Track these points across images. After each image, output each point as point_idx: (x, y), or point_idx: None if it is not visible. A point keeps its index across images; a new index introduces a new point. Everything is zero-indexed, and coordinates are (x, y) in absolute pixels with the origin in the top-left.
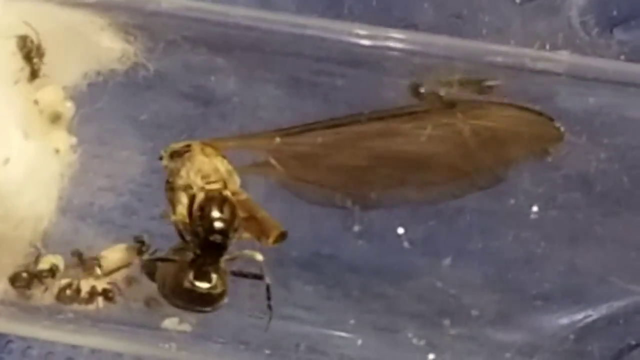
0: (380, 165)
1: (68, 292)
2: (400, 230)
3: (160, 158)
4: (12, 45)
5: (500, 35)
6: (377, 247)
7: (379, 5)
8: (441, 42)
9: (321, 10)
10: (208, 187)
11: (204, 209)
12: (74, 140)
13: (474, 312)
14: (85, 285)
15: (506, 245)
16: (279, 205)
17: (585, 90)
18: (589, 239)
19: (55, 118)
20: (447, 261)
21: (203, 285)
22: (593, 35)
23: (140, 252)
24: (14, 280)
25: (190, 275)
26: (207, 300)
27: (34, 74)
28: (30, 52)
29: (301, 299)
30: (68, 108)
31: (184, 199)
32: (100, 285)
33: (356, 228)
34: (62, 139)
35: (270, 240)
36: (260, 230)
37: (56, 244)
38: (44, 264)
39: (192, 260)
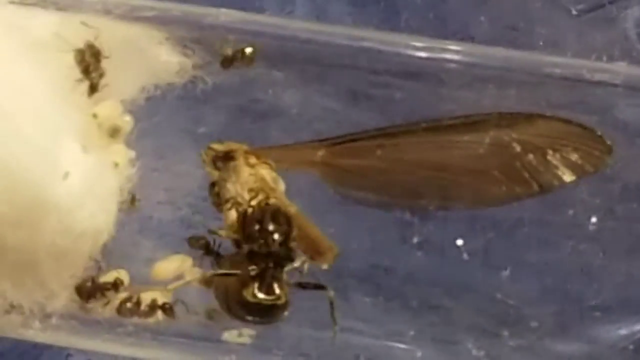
0: (428, 175)
1: (128, 305)
2: (460, 242)
3: (202, 161)
4: (70, 59)
5: (556, 47)
6: (436, 259)
7: (436, 18)
8: (499, 54)
9: (377, 22)
10: (256, 201)
11: (261, 222)
12: (132, 154)
13: (533, 323)
14: (146, 299)
15: (564, 256)
16: (336, 216)
17: None
18: None
19: (114, 132)
20: (505, 272)
21: (267, 297)
22: None
23: (207, 251)
24: (79, 289)
25: (254, 288)
26: (271, 313)
27: (93, 88)
28: (89, 67)
29: (360, 311)
30: (127, 122)
31: (232, 214)
32: (161, 298)
33: (415, 239)
34: (121, 153)
35: (325, 261)
36: (312, 248)
37: (116, 257)
38: (108, 277)
39: (255, 273)
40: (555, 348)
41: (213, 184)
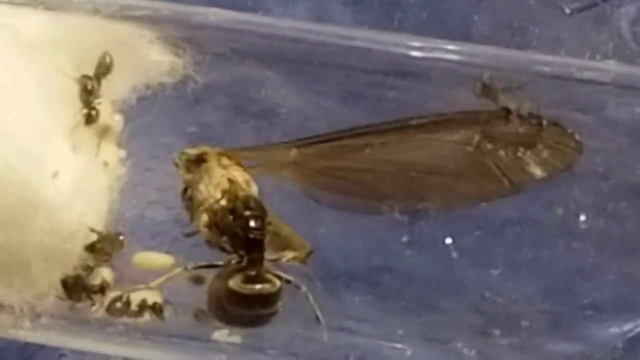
0: (398, 175)
1: (118, 305)
2: (449, 241)
3: (175, 165)
4: (60, 60)
5: (551, 46)
6: (425, 258)
7: (430, 17)
8: (488, 52)
9: (374, 22)
10: (225, 200)
11: (234, 211)
12: (123, 153)
13: (524, 322)
14: (136, 299)
15: (555, 255)
16: (325, 216)
17: (633, 100)
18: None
19: (104, 131)
20: (496, 271)
21: (255, 286)
22: None
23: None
24: (65, 283)
25: (239, 280)
26: (263, 301)
27: (90, 119)
28: (90, 95)
29: (350, 310)
30: (117, 121)
31: (204, 216)
32: (151, 298)
33: (404, 238)
34: (111, 153)
35: (298, 259)
36: (285, 246)
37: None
38: (95, 279)
39: (238, 267)
40: (546, 347)
41: (185, 188)
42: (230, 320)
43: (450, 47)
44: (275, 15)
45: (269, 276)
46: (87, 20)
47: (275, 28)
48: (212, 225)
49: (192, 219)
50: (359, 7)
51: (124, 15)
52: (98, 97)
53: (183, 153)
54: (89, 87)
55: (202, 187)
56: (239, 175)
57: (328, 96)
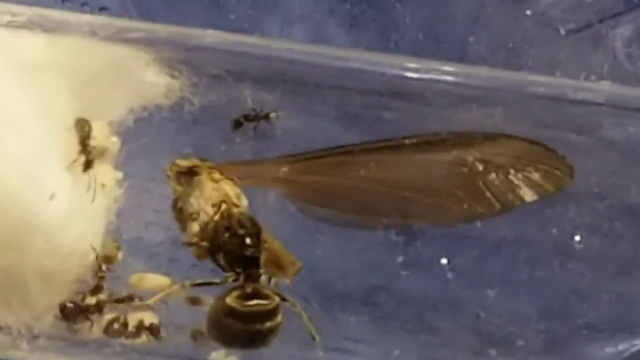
0: (389, 193)
1: (115, 325)
2: (444, 261)
3: (167, 176)
4: (58, 82)
5: (546, 67)
6: (421, 278)
7: (426, 38)
8: (483, 73)
9: (370, 43)
10: (219, 215)
11: (230, 229)
12: (120, 175)
13: (520, 342)
14: (133, 320)
15: (550, 275)
16: (322, 237)
17: (628, 120)
18: (635, 268)
19: (101, 153)
20: (491, 291)
21: (252, 302)
22: (638, 66)
23: None
24: (62, 310)
25: (236, 296)
26: (261, 318)
27: (88, 164)
28: (87, 139)
29: (346, 330)
30: (113, 143)
31: (195, 226)
32: (147, 319)
33: (400, 259)
34: (108, 174)
35: (287, 275)
36: (275, 262)
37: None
38: (90, 299)
39: (235, 285)
40: None
41: (176, 200)
42: (230, 340)
43: (445, 68)
44: (271, 37)
45: (267, 292)
46: (85, 43)
47: (272, 50)
48: (204, 239)
49: (182, 229)
50: (355, 28)
51: (120, 37)
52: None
53: (174, 164)
54: (86, 129)
55: (193, 200)
56: (230, 189)
57: (324, 117)
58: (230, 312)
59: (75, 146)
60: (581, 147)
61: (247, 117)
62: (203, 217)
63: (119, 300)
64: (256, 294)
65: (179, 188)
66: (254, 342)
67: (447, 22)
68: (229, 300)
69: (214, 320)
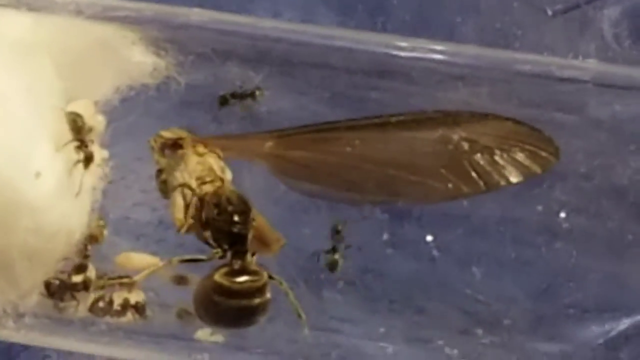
0: (374, 169)
1: (101, 304)
2: (429, 238)
3: (151, 148)
4: (44, 61)
5: (534, 48)
6: (406, 256)
7: (413, 19)
8: (470, 51)
9: (356, 25)
10: (204, 188)
11: (219, 205)
12: (106, 154)
13: (506, 321)
14: (118, 298)
15: (538, 254)
16: (307, 215)
17: (614, 99)
18: (622, 248)
19: (87, 132)
20: (477, 269)
21: (241, 279)
22: (625, 47)
23: None
24: (47, 286)
25: (225, 273)
26: (250, 294)
27: (88, 160)
28: (82, 133)
29: (332, 309)
30: (99, 121)
31: (179, 199)
32: (133, 298)
33: (385, 237)
34: (95, 153)
35: (271, 251)
36: (259, 238)
37: (92, 258)
38: (77, 277)
39: (222, 262)
40: (528, 346)
41: (160, 171)
42: (218, 318)
43: (431, 46)
44: (257, 16)
45: (255, 269)
46: (70, 21)
47: (258, 28)
48: (191, 215)
49: (166, 197)
50: (343, 10)
51: (106, 16)
52: (89, 132)
53: (158, 136)
54: (79, 124)
55: (177, 173)
56: (215, 162)
57: (311, 96)
58: (219, 289)
59: (64, 130)
60: (567, 126)
61: (233, 95)
62: (187, 191)
63: (111, 279)
64: (245, 271)
65: (163, 160)
66: (243, 319)
67: (435, 3)
68: (218, 277)
69: (202, 298)
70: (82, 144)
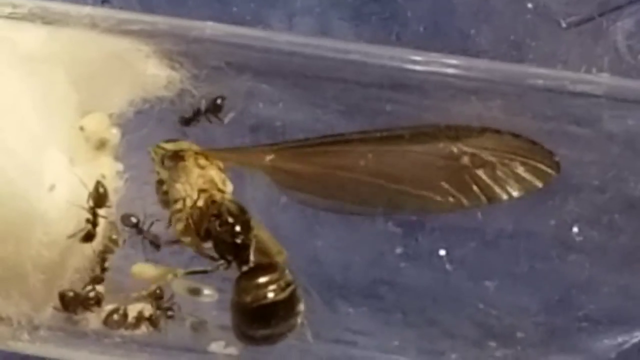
0: (375, 182)
1: (115, 317)
2: (442, 252)
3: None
4: (58, 74)
5: (548, 60)
6: (420, 270)
7: (428, 32)
8: (483, 65)
9: (370, 36)
10: (205, 200)
11: (219, 216)
12: (120, 166)
13: (519, 334)
14: (133, 311)
15: (551, 267)
16: (321, 229)
17: (627, 112)
18: (635, 260)
19: (101, 145)
20: (490, 283)
21: (262, 279)
22: (639, 59)
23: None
24: (62, 298)
25: (246, 285)
26: (276, 290)
27: (88, 236)
28: (100, 200)
29: (344, 321)
30: (114, 134)
31: (180, 225)
32: (148, 310)
33: (398, 250)
34: (108, 166)
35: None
36: (262, 251)
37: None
38: (90, 290)
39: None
40: (541, 359)
41: (161, 182)
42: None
43: (445, 60)
44: (271, 29)
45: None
46: (85, 34)
47: (272, 42)
48: (192, 231)
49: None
50: (357, 21)
51: (121, 29)
52: (105, 202)
53: (159, 147)
54: (101, 191)
55: (179, 185)
56: (216, 174)
57: (325, 109)
58: (252, 310)
59: (78, 140)
60: (581, 140)
61: (191, 118)
62: (189, 203)
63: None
64: (261, 269)
65: (164, 172)
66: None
67: (448, 15)
68: (246, 298)
69: (240, 316)
70: (93, 217)
